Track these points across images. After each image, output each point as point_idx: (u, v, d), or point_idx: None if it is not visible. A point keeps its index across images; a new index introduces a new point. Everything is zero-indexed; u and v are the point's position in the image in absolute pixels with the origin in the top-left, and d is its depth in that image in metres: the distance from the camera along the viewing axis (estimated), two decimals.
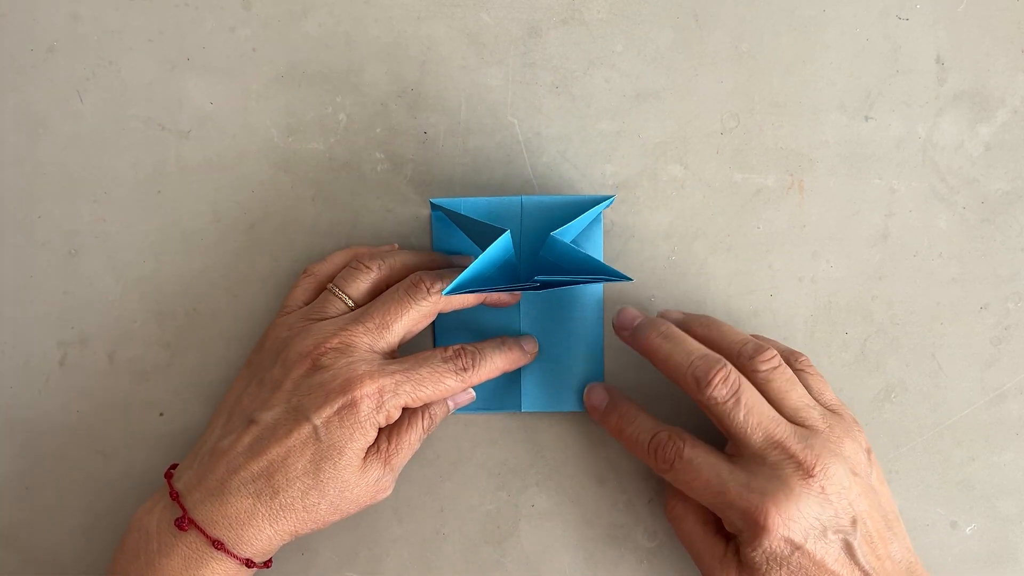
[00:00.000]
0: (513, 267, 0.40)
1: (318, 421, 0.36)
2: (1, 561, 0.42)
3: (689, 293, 0.43)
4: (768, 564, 0.35)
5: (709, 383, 0.37)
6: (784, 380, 0.38)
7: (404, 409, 0.38)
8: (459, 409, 0.41)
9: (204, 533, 0.35)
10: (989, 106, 0.44)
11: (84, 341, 0.43)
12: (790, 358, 0.40)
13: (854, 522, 0.36)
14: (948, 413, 0.44)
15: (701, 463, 0.37)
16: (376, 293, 0.40)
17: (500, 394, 0.42)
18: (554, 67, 0.44)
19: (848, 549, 0.36)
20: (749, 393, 0.37)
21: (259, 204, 0.43)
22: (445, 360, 0.38)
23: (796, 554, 0.35)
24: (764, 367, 0.38)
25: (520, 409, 0.42)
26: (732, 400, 0.37)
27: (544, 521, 0.43)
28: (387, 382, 0.36)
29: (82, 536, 0.42)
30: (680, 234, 0.44)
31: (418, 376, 0.37)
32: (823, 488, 0.36)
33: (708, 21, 0.44)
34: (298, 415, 0.36)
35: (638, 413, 0.40)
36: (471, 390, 0.40)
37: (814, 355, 0.43)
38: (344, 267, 0.40)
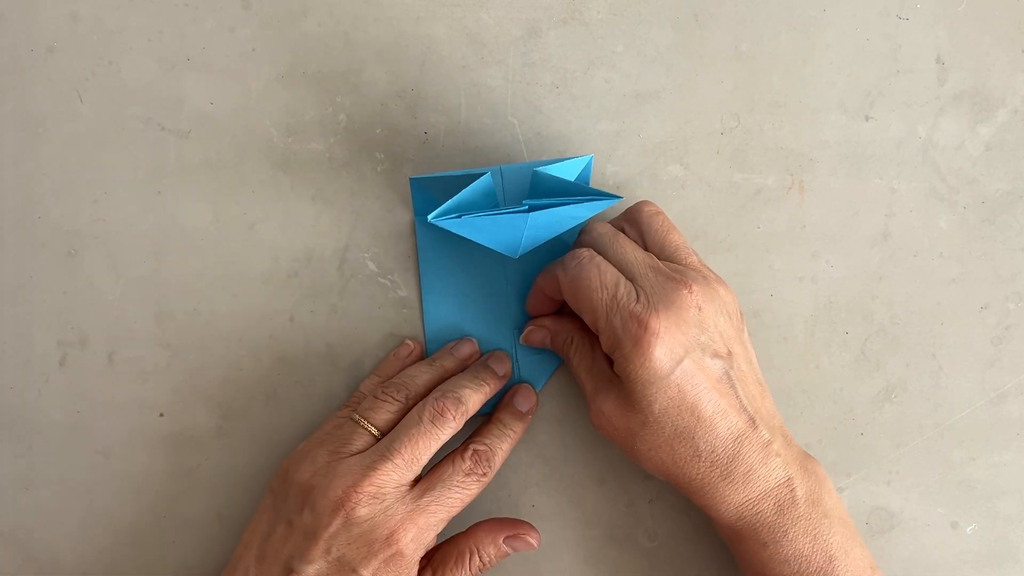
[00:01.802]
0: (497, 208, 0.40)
1: (366, 573, 0.36)
2: (1, 561, 0.42)
3: None
4: (644, 384, 0.35)
5: (590, 227, 0.39)
6: (666, 222, 0.39)
7: (451, 546, 0.39)
8: None
9: None
10: (989, 106, 0.44)
11: (84, 341, 0.43)
12: None
13: (730, 355, 0.37)
14: (948, 413, 0.44)
15: (605, 265, 0.37)
16: (400, 418, 0.39)
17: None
18: (554, 67, 0.44)
19: (727, 378, 0.36)
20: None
21: (259, 204, 0.43)
22: (467, 474, 0.38)
23: (676, 371, 0.35)
24: (649, 206, 0.40)
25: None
26: (609, 233, 0.38)
27: (545, 521, 0.43)
28: (424, 520, 0.37)
29: (82, 536, 0.42)
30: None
31: (450, 501, 0.37)
32: (700, 307, 0.36)
33: (708, 21, 0.44)
34: (343, 567, 0.36)
35: None
36: (531, 540, 0.40)
37: (814, 355, 0.43)
38: (368, 396, 0.40)
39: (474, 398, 0.39)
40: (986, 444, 0.43)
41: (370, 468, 0.36)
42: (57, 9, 0.43)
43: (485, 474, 0.38)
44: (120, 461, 0.42)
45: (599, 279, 0.37)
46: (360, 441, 0.38)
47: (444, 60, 0.43)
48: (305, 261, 0.43)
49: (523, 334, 0.42)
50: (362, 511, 0.36)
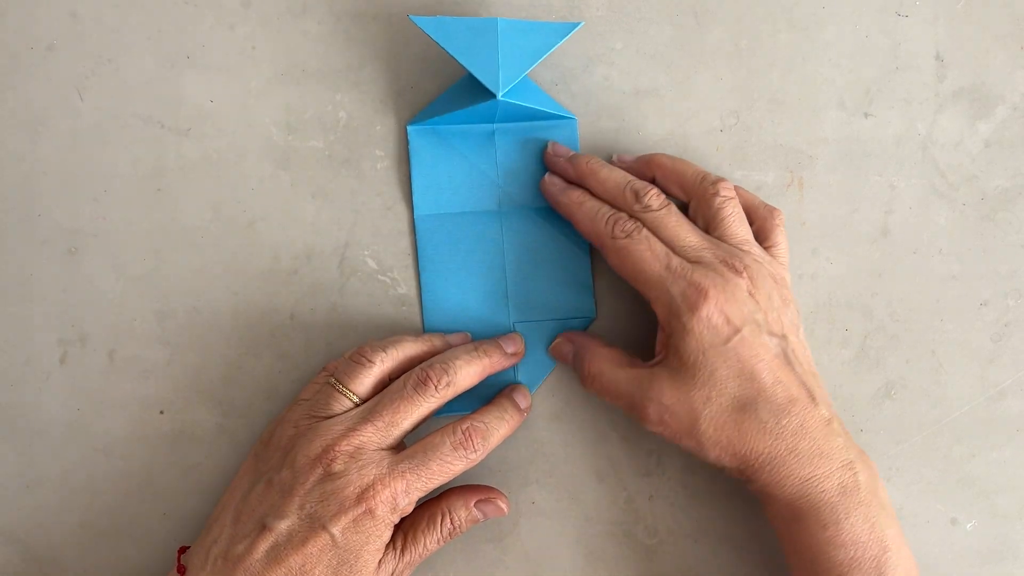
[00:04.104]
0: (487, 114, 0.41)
1: (335, 530, 0.36)
2: (1, 560, 0.42)
3: None
4: (704, 351, 0.36)
5: (646, 194, 0.39)
6: (735, 212, 0.39)
7: (423, 509, 0.39)
8: (454, 410, 0.41)
9: None
10: (988, 103, 0.44)
11: (84, 339, 0.43)
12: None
13: (785, 337, 0.37)
14: (948, 410, 0.44)
15: (654, 241, 0.38)
16: (381, 386, 0.39)
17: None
18: (553, 64, 0.44)
19: (784, 355, 0.37)
20: (678, 213, 0.39)
21: (259, 202, 0.43)
22: (455, 448, 0.38)
23: (735, 339, 0.36)
24: (724, 192, 0.40)
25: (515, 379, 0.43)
26: (664, 210, 0.39)
27: (544, 518, 0.43)
28: (399, 484, 0.36)
29: (82, 536, 0.42)
30: None
31: (428, 472, 0.37)
32: (751, 290, 0.37)
33: (707, 18, 0.44)
34: (314, 523, 0.36)
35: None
36: (502, 504, 0.40)
37: (814, 352, 0.43)
38: (343, 360, 0.40)
39: (465, 370, 0.39)
40: (985, 441, 0.44)
41: (350, 428, 0.37)
42: (57, 7, 0.43)
43: (476, 450, 0.38)
44: (121, 459, 0.42)
45: (650, 250, 0.37)
46: (338, 404, 0.38)
47: (444, 57, 0.43)
48: (305, 259, 0.43)
49: (551, 346, 0.42)
50: (338, 467, 0.36)
